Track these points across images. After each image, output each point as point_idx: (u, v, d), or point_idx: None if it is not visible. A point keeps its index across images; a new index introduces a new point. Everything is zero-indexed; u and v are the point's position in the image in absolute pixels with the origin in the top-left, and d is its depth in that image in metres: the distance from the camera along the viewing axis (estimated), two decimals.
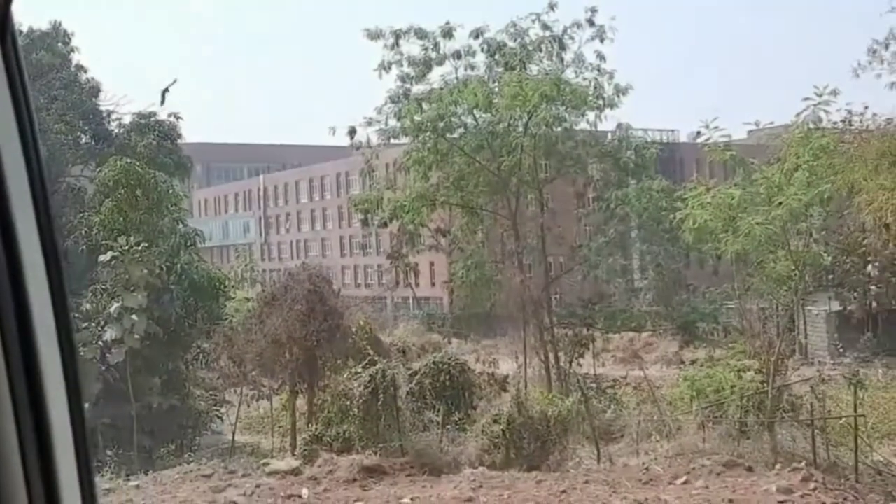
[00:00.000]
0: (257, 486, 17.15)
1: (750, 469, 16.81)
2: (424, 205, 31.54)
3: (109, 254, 24.21)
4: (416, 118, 30.30)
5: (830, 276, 41.56)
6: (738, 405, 20.16)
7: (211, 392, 28.37)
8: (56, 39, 36.92)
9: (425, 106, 30.50)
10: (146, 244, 24.84)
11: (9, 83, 1.45)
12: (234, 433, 25.20)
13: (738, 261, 22.82)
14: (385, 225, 35.02)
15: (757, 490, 15.24)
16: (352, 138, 33.74)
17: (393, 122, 31.65)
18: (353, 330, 25.25)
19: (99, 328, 23.64)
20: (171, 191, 30.25)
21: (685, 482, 16.13)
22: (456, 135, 31.37)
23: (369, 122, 32.17)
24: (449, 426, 20.38)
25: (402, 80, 32.02)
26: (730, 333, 39.08)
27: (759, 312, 25.87)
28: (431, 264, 64.83)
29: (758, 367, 21.35)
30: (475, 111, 30.21)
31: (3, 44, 1.45)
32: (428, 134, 30.62)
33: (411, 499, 15.95)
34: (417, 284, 64.10)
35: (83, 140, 36.48)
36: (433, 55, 31.90)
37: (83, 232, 28.28)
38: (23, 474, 1.43)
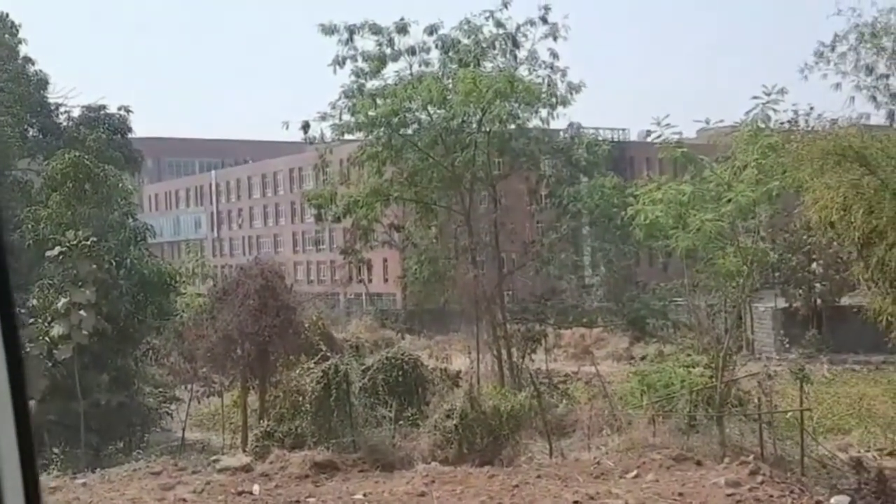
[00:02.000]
0: (207, 483, 17.00)
1: (699, 463, 17.04)
2: (378, 200, 31.48)
3: (57, 248, 23.84)
4: (371, 113, 30.20)
5: (777, 274, 42.30)
6: (688, 400, 20.43)
7: (161, 389, 28.08)
8: (2, 31, 36.21)
9: (379, 101, 30.39)
10: (95, 239, 24.51)
11: None
12: (184, 430, 24.97)
13: (688, 257, 23.10)
14: (338, 220, 34.83)
15: (706, 483, 15.46)
16: (305, 133, 33.50)
17: (347, 118, 31.49)
18: (306, 325, 25.16)
19: (46, 324, 23.27)
20: (120, 185, 29.88)
21: (636, 476, 16.31)
22: (410, 130, 31.33)
23: (323, 117, 31.99)
24: (402, 422, 20.39)
25: (357, 75, 31.88)
26: (679, 329, 39.58)
27: (707, 309, 26.21)
28: (385, 260, 64.69)
29: (706, 362, 21.66)
30: (429, 107, 30.19)
31: None
32: (382, 129, 30.55)
33: (364, 494, 15.93)
34: (370, 280, 63.92)
35: (31, 133, 35.86)
36: (388, 51, 31.82)
37: (30, 226, 27.83)
38: None
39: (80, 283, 23.30)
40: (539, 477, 16.49)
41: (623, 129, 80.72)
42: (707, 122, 21.69)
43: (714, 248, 20.21)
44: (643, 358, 36.23)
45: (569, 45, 32.64)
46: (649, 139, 22.66)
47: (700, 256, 21.94)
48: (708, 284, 24.03)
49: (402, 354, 23.45)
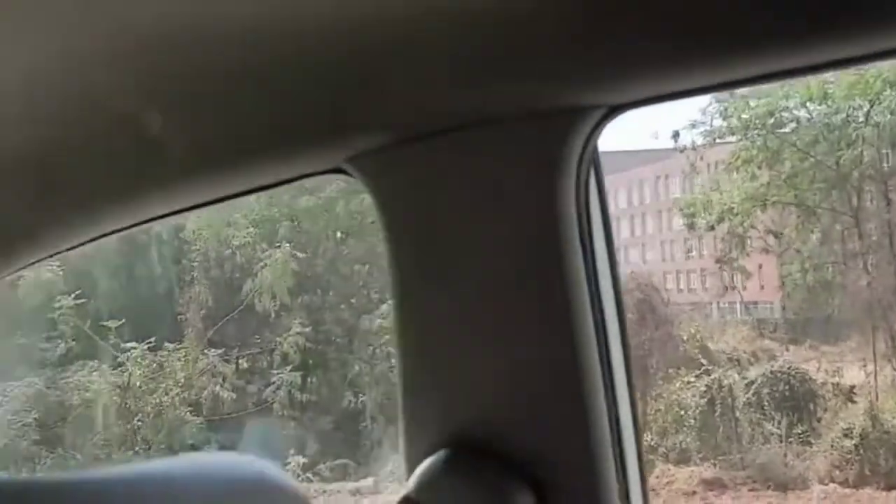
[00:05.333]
0: None
1: None
2: (755, 205, 30.13)
3: None
4: (744, 116, 29.00)
5: None
6: None
7: None
8: None
9: (752, 103, 29.09)
10: None
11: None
12: None
13: None
14: (712, 228, 33.82)
15: None
16: (675, 141, 32.90)
17: (718, 122, 30.46)
18: (684, 338, 24.69)
19: None
20: None
21: None
22: (787, 130, 29.67)
23: (693, 125, 31.19)
24: (791, 439, 19.30)
25: None
26: None
27: None
28: (760, 267, 61.78)
29: None
30: (808, 104, 28.36)
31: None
32: (756, 131, 29.22)
33: None
34: (745, 288, 61.34)
35: None
36: None
37: None
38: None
39: None
40: None
41: None
42: None
43: None
44: None
45: None
46: None
47: None
48: None
49: (788, 367, 22.24)
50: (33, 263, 1.89)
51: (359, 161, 1.54)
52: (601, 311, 1.48)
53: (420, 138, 1.49)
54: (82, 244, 1.83)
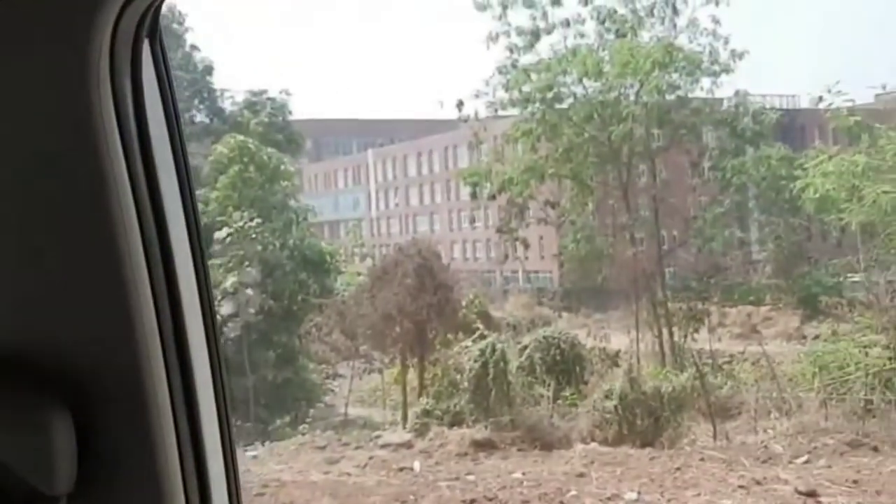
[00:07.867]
0: (370, 458, 17.34)
1: (876, 449, 16.11)
2: (533, 177, 31.21)
3: (225, 230, 24.79)
4: (525, 89, 29.89)
5: None
6: (864, 382, 19.35)
7: (323, 365, 28.88)
8: (171, 21, 37.83)
9: (533, 76, 30.02)
10: (260, 220, 25.35)
11: (158, 84, 1.43)
12: (346, 406, 25.60)
13: (864, 232, 21.79)
14: (493, 198, 34.79)
15: (883, 470, 14.59)
16: (459, 111, 33.51)
17: (501, 94, 31.27)
18: (463, 304, 25.26)
19: (217, 303, 24.24)
20: (282, 167, 30.77)
21: (806, 461, 15.56)
22: (565, 105, 30.83)
23: (477, 95, 31.88)
24: (560, 401, 20.21)
25: (510, 50, 31.54)
26: (855, 308, 37.51)
27: (886, 286, 24.70)
28: (541, 237, 64.14)
29: (885, 342, 20.43)
30: (584, 80, 29.59)
31: (153, 44, 1.40)
32: (536, 105, 30.21)
33: (522, 473, 15.86)
34: (527, 258, 63.58)
35: (197, 118, 37.39)
36: (541, 24, 31.33)
37: (199, 208, 29.03)
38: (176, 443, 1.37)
39: (246, 263, 24.17)
40: (702, 460, 15.97)
41: (793, 96, 76.94)
42: (884, 87, 20.34)
43: (892, 223, 19.00)
44: (815, 338, 34.55)
45: (733, 8, 31.16)
46: (821, 106, 21.43)
47: (877, 231, 20.68)
48: (886, 260, 22.66)
49: (560, 333, 23.23)
50: None
51: None
52: (162, 228, 1.36)
53: None
54: None
